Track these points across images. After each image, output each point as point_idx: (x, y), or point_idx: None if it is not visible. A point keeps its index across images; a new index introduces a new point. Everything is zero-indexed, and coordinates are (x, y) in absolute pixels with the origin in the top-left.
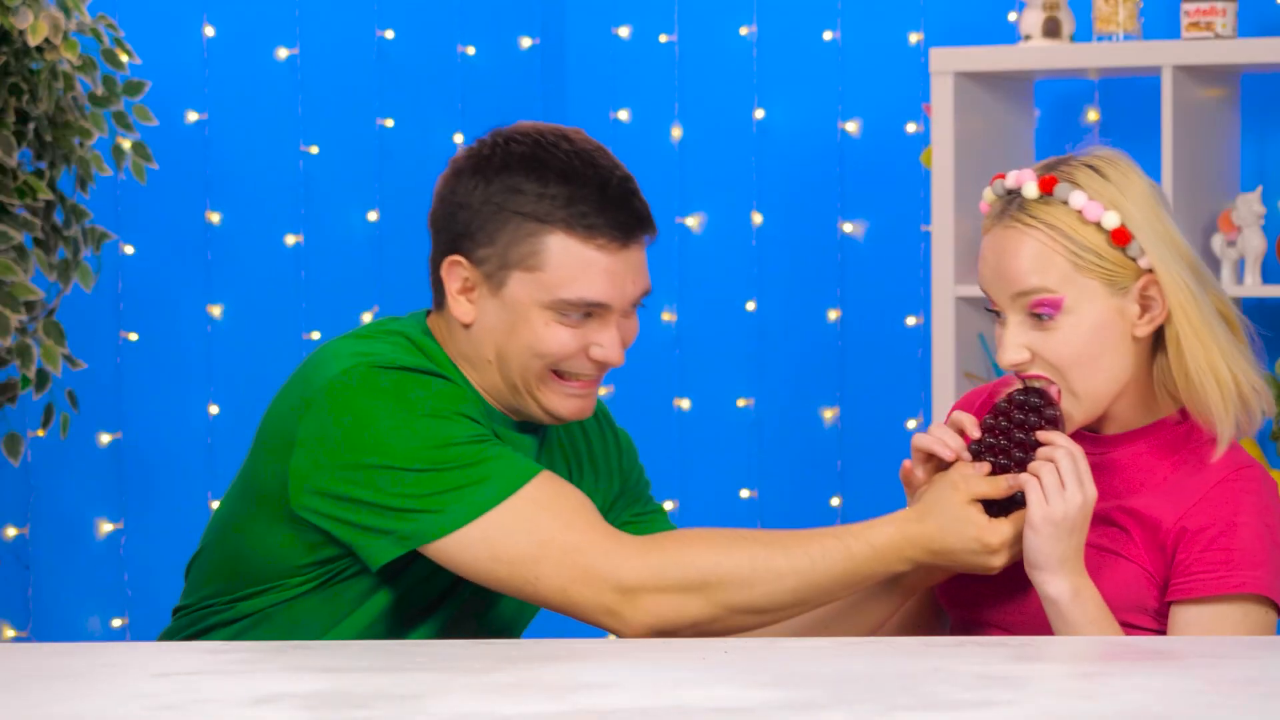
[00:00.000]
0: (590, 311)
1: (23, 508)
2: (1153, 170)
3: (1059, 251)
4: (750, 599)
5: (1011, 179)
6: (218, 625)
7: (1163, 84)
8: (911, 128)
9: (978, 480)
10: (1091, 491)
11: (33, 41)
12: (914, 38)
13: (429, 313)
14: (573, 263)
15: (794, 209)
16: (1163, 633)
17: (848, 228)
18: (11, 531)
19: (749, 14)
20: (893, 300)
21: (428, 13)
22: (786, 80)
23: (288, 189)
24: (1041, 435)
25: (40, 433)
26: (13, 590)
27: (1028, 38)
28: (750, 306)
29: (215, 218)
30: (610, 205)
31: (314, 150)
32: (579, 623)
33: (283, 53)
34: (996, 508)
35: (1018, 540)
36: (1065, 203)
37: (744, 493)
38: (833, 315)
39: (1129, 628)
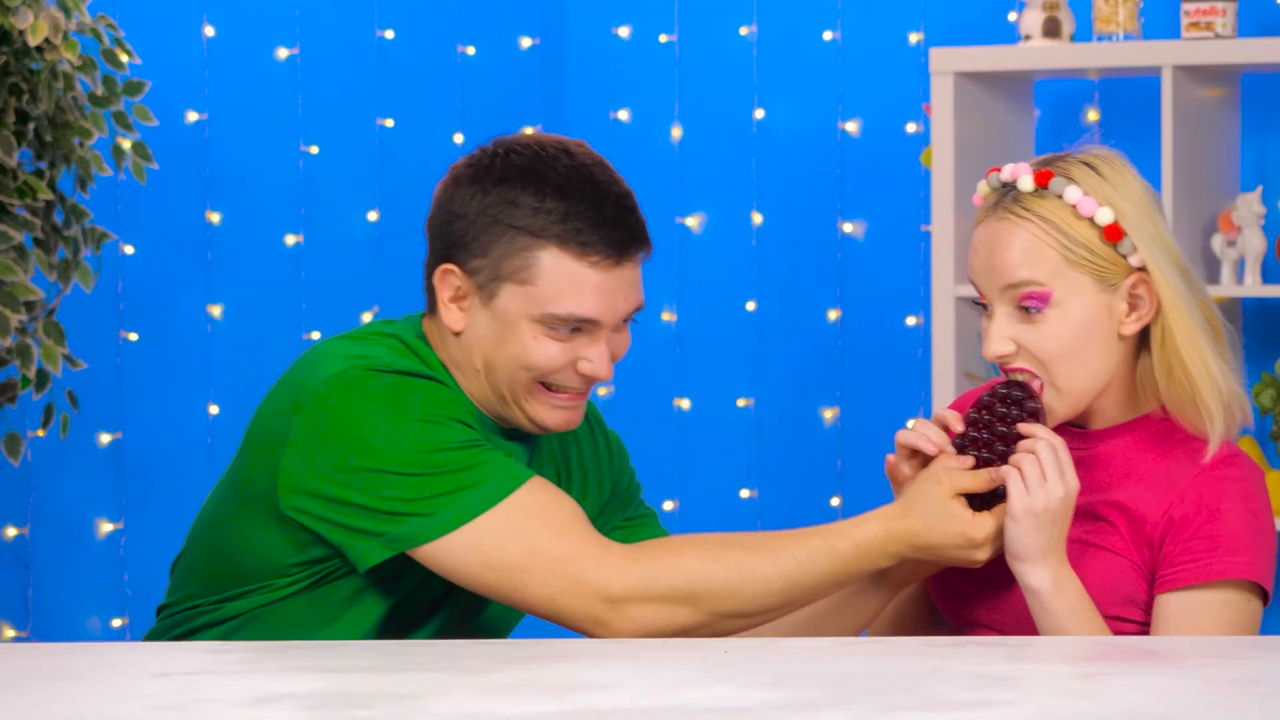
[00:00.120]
0: (580, 326)
1: (23, 508)
2: (1153, 170)
3: (1051, 245)
4: (737, 605)
5: (1007, 172)
6: (205, 626)
7: (1163, 84)
8: (911, 128)
9: (960, 474)
10: (1073, 483)
11: (33, 41)
12: (914, 38)
13: (424, 316)
14: (565, 278)
15: (794, 209)
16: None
17: (848, 228)
18: (11, 531)
19: (749, 14)
20: (893, 300)
21: (428, 13)
22: (786, 80)
23: (288, 189)
24: (1022, 427)
25: (40, 433)
26: (13, 590)
27: (1028, 38)
28: (750, 306)
29: (215, 218)
30: (605, 222)
31: (314, 150)
32: None
33: (283, 53)
34: (980, 501)
35: (1001, 534)
36: (1060, 197)
37: (744, 493)
38: (833, 315)
39: (1118, 621)
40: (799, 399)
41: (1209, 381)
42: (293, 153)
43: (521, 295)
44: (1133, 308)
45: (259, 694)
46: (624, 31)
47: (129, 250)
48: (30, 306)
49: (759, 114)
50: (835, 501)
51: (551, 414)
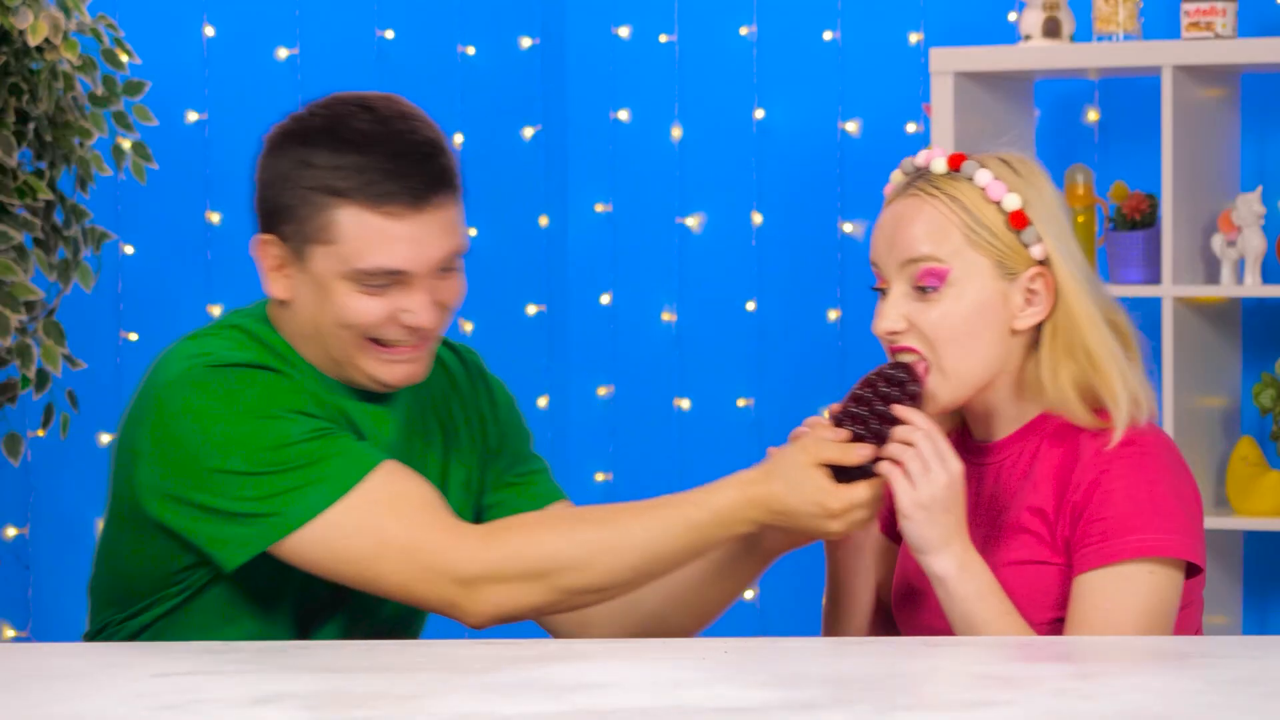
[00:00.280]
0: (392, 279)
1: (23, 508)
2: (1153, 170)
3: (954, 224)
4: (590, 580)
5: (921, 157)
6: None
7: (1163, 84)
8: (911, 128)
9: (826, 444)
10: (955, 466)
11: (33, 41)
12: (914, 38)
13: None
14: (365, 233)
15: (794, 209)
16: None
17: (848, 228)
18: (11, 531)
19: (749, 14)
20: None
21: (428, 13)
22: (786, 80)
23: None
24: (898, 410)
25: (40, 433)
26: (13, 590)
27: (1028, 38)
28: (750, 306)
29: (215, 218)
30: (402, 170)
31: None
32: None
33: (283, 53)
34: (848, 475)
35: (862, 507)
36: (970, 179)
37: None
38: (833, 315)
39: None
40: (799, 399)
41: (1113, 361)
42: None
43: (328, 255)
44: (1029, 302)
45: (259, 694)
46: (624, 31)
47: (129, 250)
48: (30, 306)
49: (759, 114)
50: None
51: (388, 369)
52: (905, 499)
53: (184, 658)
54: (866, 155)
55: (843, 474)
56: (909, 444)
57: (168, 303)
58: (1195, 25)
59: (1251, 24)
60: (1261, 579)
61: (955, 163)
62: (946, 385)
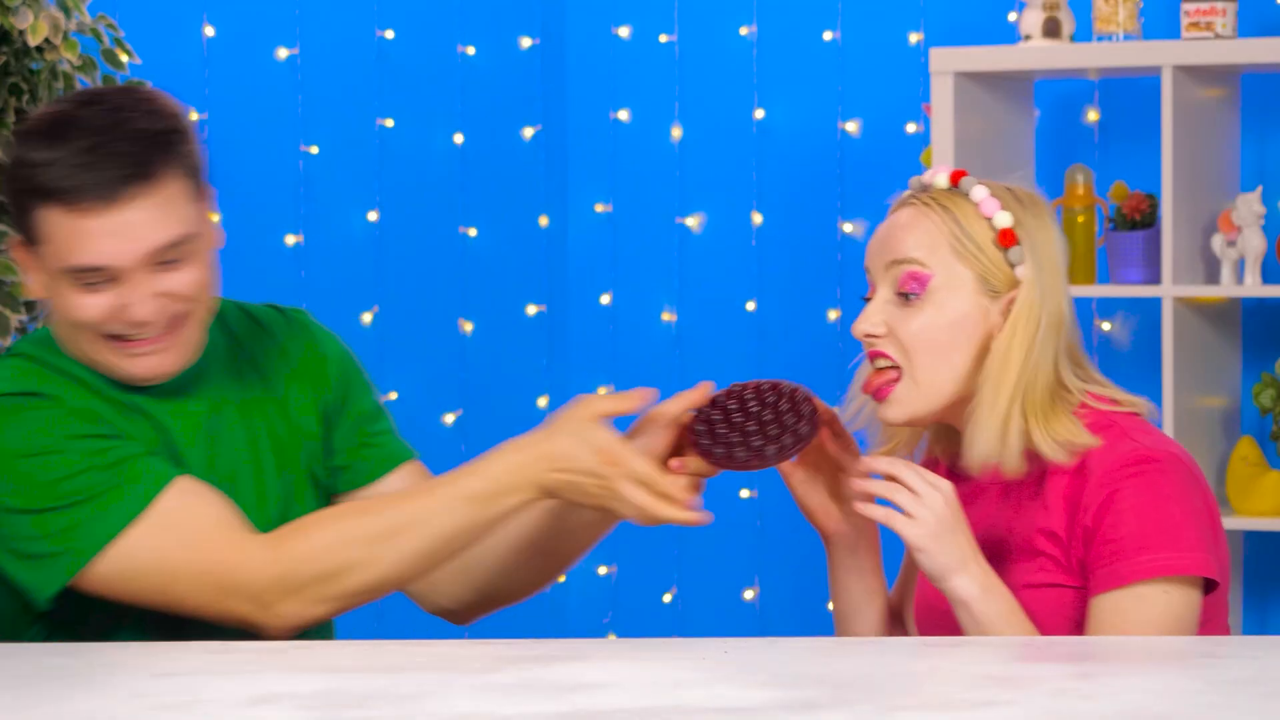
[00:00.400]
0: (104, 275)
1: None
2: (1153, 170)
3: (944, 234)
4: (378, 575)
5: (928, 174)
6: None
7: (1163, 84)
8: (911, 128)
9: (604, 399)
10: (944, 484)
11: (33, 41)
12: (914, 38)
13: None
14: (63, 232)
15: (794, 209)
16: None
17: (848, 228)
18: None
19: (749, 14)
20: None
21: (428, 13)
22: (786, 80)
23: (288, 189)
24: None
25: None
26: None
27: (1028, 38)
28: (750, 306)
29: (215, 218)
30: (95, 164)
31: (314, 150)
32: (579, 623)
33: (283, 53)
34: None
35: (642, 484)
36: (967, 195)
37: (744, 493)
38: (833, 315)
39: None
40: None
41: (1014, 406)
42: (293, 153)
43: (44, 255)
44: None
45: (259, 694)
46: (624, 31)
47: None
48: (30, 306)
49: (759, 114)
50: None
51: (133, 363)
52: (911, 534)
53: (184, 658)
54: (866, 155)
55: (712, 453)
56: (891, 480)
57: None
58: (1195, 25)
59: (1251, 24)
60: (1261, 579)
61: (955, 178)
62: (918, 394)
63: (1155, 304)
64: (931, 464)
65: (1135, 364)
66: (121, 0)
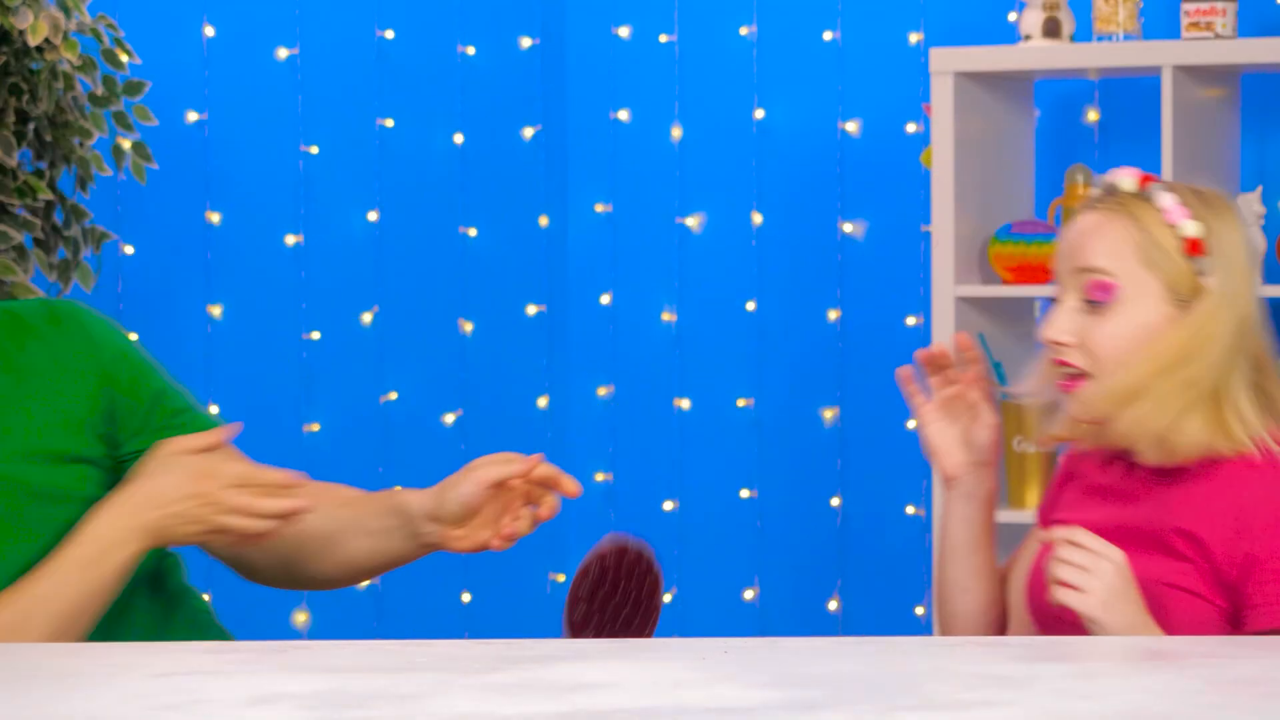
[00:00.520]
0: None
1: None
2: (1153, 170)
3: (1130, 242)
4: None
5: (1114, 175)
6: None
7: (1163, 84)
8: (911, 128)
9: (182, 439)
10: (1115, 553)
11: (33, 41)
12: (914, 38)
13: None
14: None
15: (794, 209)
16: None
17: (848, 228)
18: None
19: (749, 14)
20: (893, 300)
21: (428, 13)
22: (786, 80)
23: (288, 189)
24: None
25: None
26: None
27: (1028, 38)
28: (750, 306)
29: (215, 218)
30: None
31: (314, 150)
32: None
33: (283, 53)
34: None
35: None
36: (1153, 201)
37: (744, 493)
38: (833, 315)
39: None
40: (799, 399)
41: (1234, 412)
42: (293, 153)
43: None
44: None
45: (259, 694)
46: (624, 31)
47: (129, 250)
48: None
49: (759, 114)
50: (835, 501)
51: None
52: (1081, 607)
53: (184, 658)
54: (866, 155)
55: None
56: (1061, 560)
57: (168, 303)
58: (1195, 25)
59: (1251, 24)
60: None
61: (1143, 183)
62: (1102, 398)
63: None
64: (1087, 456)
65: None
66: (121, 0)
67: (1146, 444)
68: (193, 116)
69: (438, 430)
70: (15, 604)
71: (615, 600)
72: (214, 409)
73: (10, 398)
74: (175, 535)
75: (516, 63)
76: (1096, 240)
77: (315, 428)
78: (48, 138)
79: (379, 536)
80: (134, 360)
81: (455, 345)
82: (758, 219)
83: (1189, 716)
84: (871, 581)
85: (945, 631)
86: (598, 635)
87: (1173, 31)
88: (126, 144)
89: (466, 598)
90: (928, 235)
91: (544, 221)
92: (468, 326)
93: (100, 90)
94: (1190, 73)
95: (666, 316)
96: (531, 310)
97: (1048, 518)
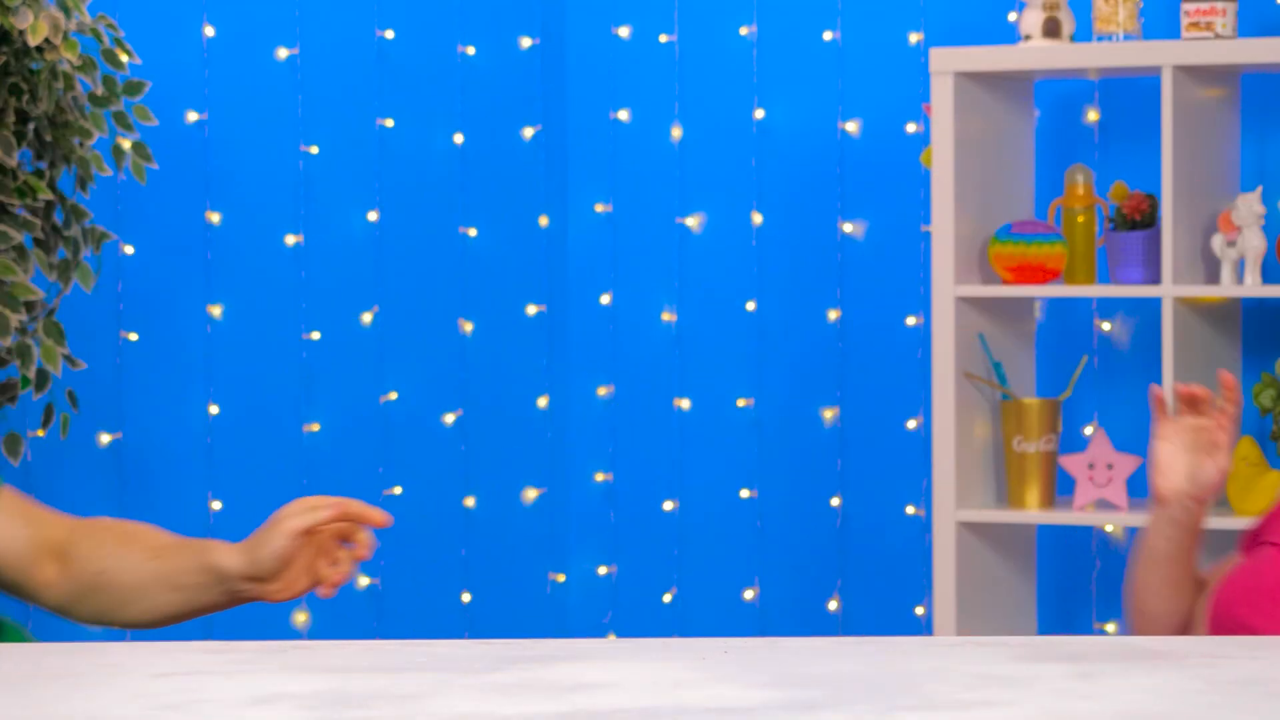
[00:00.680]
0: None
1: None
2: (1153, 170)
3: None
4: None
5: None
6: None
7: (1163, 84)
8: (911, 128)
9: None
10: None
11: (33, 41)
12: (914, 38)
13: None
14: None
15: (794, 209)
16: None
17: (848, 228)
18: None
19: (749, 14)
20: (893, 300)
21: (428, 13)
22: (786, 80)
23: (288, 189)
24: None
25: (40, 433)
26: None
27: (1028, 38)
28: (750, 306)
29: (215, 218)
30: None
31: (314, 150)
32: (579, 622)
33: (283, 53)
34: None
35: None
36: None
37: (744, 493)
38: (833, 315)
39: None
40: (799, 399)
41: None
42: (293, 153)
43: None
44: None
45: (259, 694)
46: (624, 31)
47: (129, 250)
48: (30, 306)
49: (759, 114)
50: (835, 502)
51: None
52: None
53: (184, 658)
54: (866, 155)
55: None
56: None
57: (168, 303)
58: (1195, 25)
59: (1251, 24)
60: None
61: None
62: None
63: (1155, 304)
64: None
65: (1135, 364)
66: (121, 0)
67: None
68: (193, 116)
69: (438, 430)
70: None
71: None
72: (214, 409)
73: None
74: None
75: (516, 63)
76: None
77: (315, 428)
78: (48, 138)
79: (190, 591)
80: None
81: (455, 345)
82: (758, 219)
83: (1189, 716)
84: (871, 581)
85: (1135, 626)
86: None
87: (1173, 31)
88: (126, 144)
89: (466, 598)
90: (928, 235)
91: (544, 221)
92: (468, 326)
93: (100, 90)
94: (1190, 73)
95: (666, 316)
96: (531, 310)
97: (1259, 538)
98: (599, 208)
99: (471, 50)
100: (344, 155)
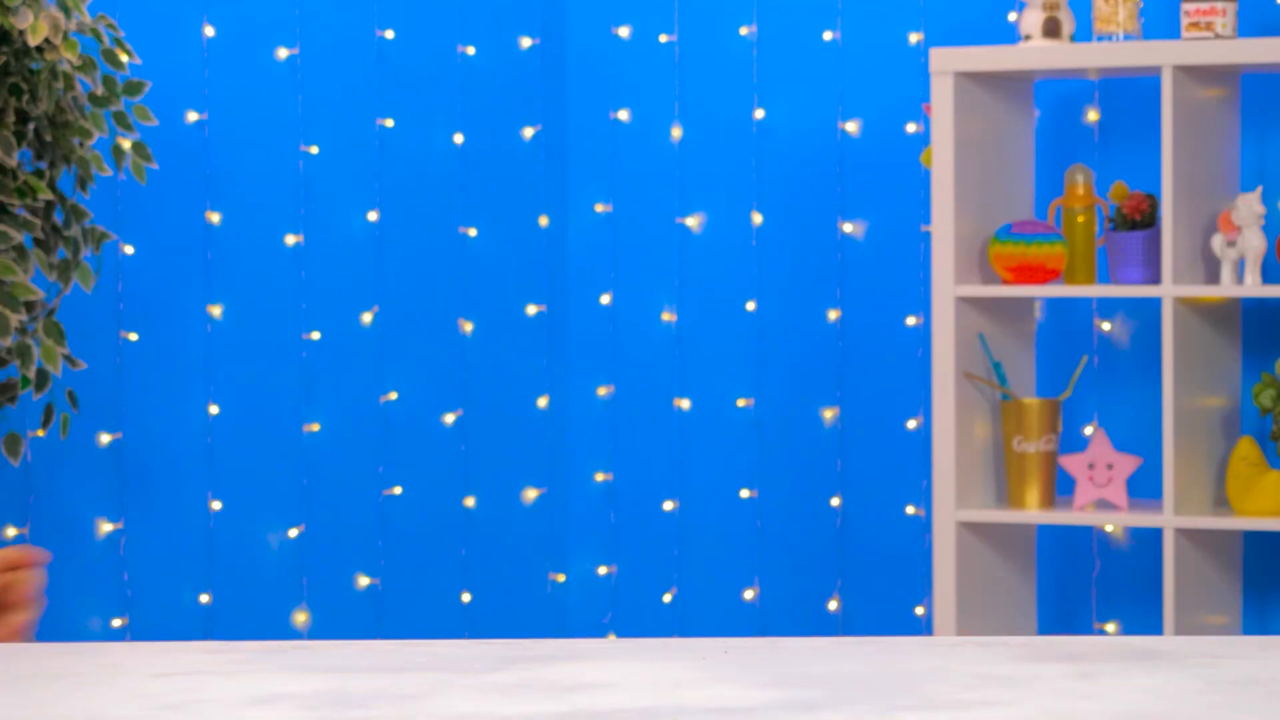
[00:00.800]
0: None
1: (23, 508)
2: (1153, 170)
3: None
4: None
5: None
6: None
7: (1163, 84)
8: (911, 128)
9: None
10: None
11: (33, 41)
12: (914, 38)
13: None
14: None
15: (794, 209)
16: None
17: (848, 228)
18: (11, 531)
19: (749, 14)
20: (893, 300)
21: (428, 13)
22: (786, 80)
23: (288, 189)
24: None
25: (40, 433)
26: None
27: (1028, 38)
28: (750, 306)
29: (215, 218)
30: None
31: (314, 150)
32: (579, 622)
33: (283, 53)
34: None
35: None
36: None
37: (744, 493)
38: (833, 315)
39: None
40: (799, 399)
41: None
42: (293, 153)
43: None
44: None
45: (259, 694)
46: (624, 31)
47: (129, 250)
48: (30, 306)
49: (759, 114)
50: (835, 502)
51: None
52: None
53: (184, 658)
54: (866, 155)
55: None
56: None
57: (168, 303)
58: (1195, 25)
59: (1251, 24)
60: (1261, 579)
61: None
62: None
63: (1155, 304)
64: None
65: (1135, 364)
66: (121, 0)
67: None
68: (193, 116)
69: (438, 430)
70: None
71: None
72: (214, 409)
73: None
74: None
75: (516, 63)
76: None
77: (315, 428)
78: (48, 138)
79: None
80: None
81: (455, 345)
82: (758, 219)
83: (1189, 716)
84: (871, 581)
85: None
86: None
87: (1173, 31)
88: (126, 144)
89: (466, 598)
90: (928, 235)
91: (544, 221)
92: (468, 326)
93: (100, 90)
94: (1190, 73)
95: (666, 316)
96: (531, 310)
97: None
98: (599, 208)
99: (471, 50)
100: (344, 155)
